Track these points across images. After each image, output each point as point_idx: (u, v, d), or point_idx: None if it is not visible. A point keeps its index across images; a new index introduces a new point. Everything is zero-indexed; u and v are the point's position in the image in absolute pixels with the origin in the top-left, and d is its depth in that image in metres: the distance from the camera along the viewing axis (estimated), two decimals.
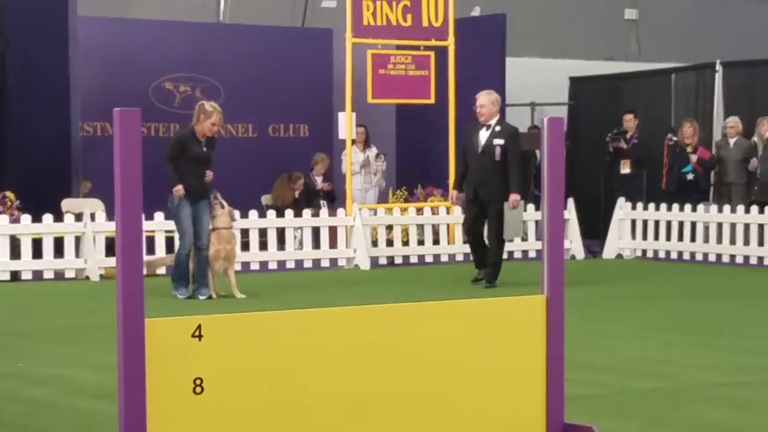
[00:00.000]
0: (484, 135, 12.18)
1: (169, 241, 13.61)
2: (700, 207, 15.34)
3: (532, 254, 15.43)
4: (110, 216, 13.53)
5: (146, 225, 13.32)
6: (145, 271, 11.15)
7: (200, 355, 4.23)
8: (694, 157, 15.70)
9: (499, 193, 12.03)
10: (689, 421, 5.96)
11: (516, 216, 12.13)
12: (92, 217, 13.44)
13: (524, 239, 15.61)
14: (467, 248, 13.64)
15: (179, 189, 11.08)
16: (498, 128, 12.19)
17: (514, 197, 11.99)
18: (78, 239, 13.40)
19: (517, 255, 15.57)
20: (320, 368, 4.44)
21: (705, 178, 15.84)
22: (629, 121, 16.45)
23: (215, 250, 11.27)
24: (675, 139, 15.94)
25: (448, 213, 15.41)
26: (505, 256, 12.96)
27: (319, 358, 4.45)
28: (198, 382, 4.23)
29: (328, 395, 4.45)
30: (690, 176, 15.77)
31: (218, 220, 11.36)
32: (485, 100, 12.24)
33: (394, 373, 4.57)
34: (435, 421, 4.63)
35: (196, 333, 4.25)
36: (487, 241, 12.49)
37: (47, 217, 13.35)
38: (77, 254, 13.38)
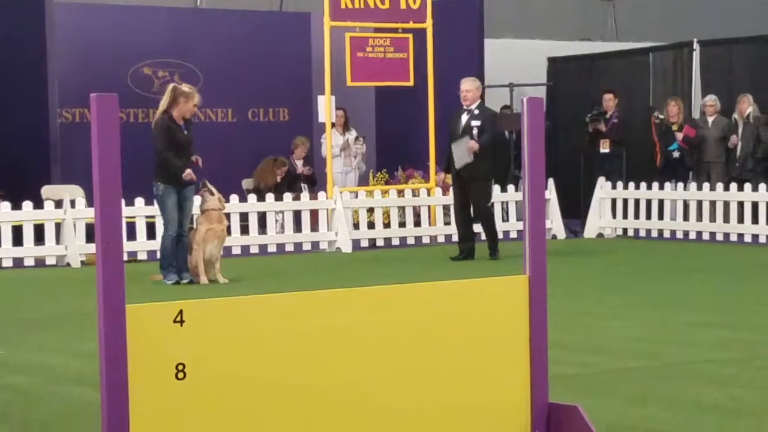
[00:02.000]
0: (464, 119, 12.89)
1: (150, 227, 13.59)
2: (680, 185, 15.39)
3: (513, 234, 15.44)
4: (90, 202, 13.48)
5: (127, 211, 13.30)
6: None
7: (182, 341, 4.20)
8: (680, 135, 15.74)
9: (479, 172, 12.71)
10: (674, 399, 5.97)
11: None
12: (72, 203, 13.39)
13: (505, 220, 15.66)
14: (448, 230, 13.88)
15: (190, 173, 11.03)
16: (477, 111, 12.84)
17: (473, 143, 12.69)
18: (58, 226, 13.35)
19: (499, 236, 15.55)
20: (303, 352, 4.43)
21: (691, 155, 15.87)
22: (609, 101, 16.47)
23: (207, 230, 11.26)
24: (661, 117, 15.97)
25: (428, 195, 15.41)
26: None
27: (302, 342, 4.43)
28: (180, 367, 4.21)
29: (311, 379, 4.44)
30: (676, 154, 15.81)
31: (208, 203, 11.36)
32: (470, 86, 12.99)
33: (377, 356, 4.56)
34: (418, 403, 4.62)
35: (178, 318, 4.22)
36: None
37: (27, 204, 13.29)
38: (58, 241, 13.34)
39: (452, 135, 12.98)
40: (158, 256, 11.67)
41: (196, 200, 11.62)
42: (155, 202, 11.54)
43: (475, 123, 12.72)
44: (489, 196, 13.10)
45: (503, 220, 15.79)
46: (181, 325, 4.22)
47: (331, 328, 4.50)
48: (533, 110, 4.86)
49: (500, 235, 15.42)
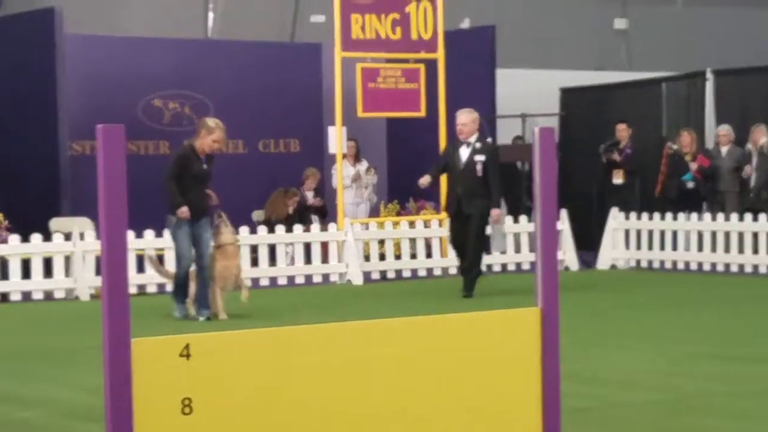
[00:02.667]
0: (465, 152, 12.58)
1: (159, 260, 13.52)
2: (694, 216, 15.29)
3: (525, 266, 15.37)
4: (99, 235, 13.42)
5: (136, 243, 13.26)
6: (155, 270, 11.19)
7: (188, 375, 4.13)
8: (694, 165, 15.66)
9: (481, 207, 12.46)
10: None
11: (500, 229, 12.77)
12: (81, 236, 13.34)
13: (517, 251, 15.60)
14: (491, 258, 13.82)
15: (184, 211, 10.68)
16: (478, 145, 12.57)
17: (496, 212, 12.57)
18: (67, 259, 13.30)
19: (511, 267, 15.51)
20: (311, 386, 4.35)
21: (705, 185, 15.79)
22: (622, 131, 16.41)
23: (222, 266, 10.99)
24: (675, 147, 15.89)
25: (440, 226, 15.33)
26: (488, 268, 13.44)
27: (311, 376, 4.36)
28: (186, 402, 4.14)
29: (320, 413, 4.36)
30: (690, 184, 15.73)
31: (222, 237, 11.10)
32: (466, 118, 12.64)
33: (387, 390, 4.49)
34: None
35: (184, 352, 4.15)
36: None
37: (36, 237, 13.24)
38: (67, 274, 13.28)
39: (451, 167, 12.64)
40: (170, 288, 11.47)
41: None
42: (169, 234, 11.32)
43: (479, 158, 12.42)
44: (483, 236, 12.73)
45: (515, 252, 15.72)
46: (188, 359, 4.15)
47: (339, 360, 4.42)
48: (545, 140, 4.80)
49: (513, 267, 15.45)
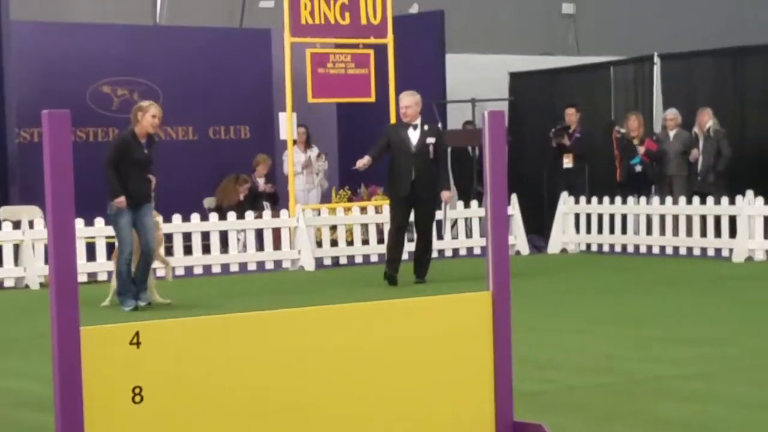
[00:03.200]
0: (414, 135, 12.41)
1: (110, 247, 13.43)
2: (643, 200, 15.40)
3: (477, 251, 15.42)
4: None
5: (86, 231, 13.15)
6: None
7: (139, 363, 4.12)
8: (641, 149, 15.75)
9: (434, 190, 12.49)
10: (641, 415, 5.91)
11: (449, 211, 12.80)
12: (30, 224, 13.21)
13: (468, 236, 15.65)
14: (411, 246, 13.52)
15: (122, 201, 10.54)
16: (426, 127, 12.48)
17: (448, 194, 12.82)
18: (16, 247, 13.17)
19: (462, 252, 15.55)
20: (263, 373, 4.35)
21: (652, 169, 15.89)
22: (571, 115, 16.47)
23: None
24: (623, 131, 15.97)
25: None
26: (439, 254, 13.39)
27: (261, 363, 4.35)
28: (137, 390, 4.13)
29: (273, 401, 4.36)
30: (638, 168, 15.82)
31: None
32: (410, 101, 12.49)
33: (340, 375, 4.49)
34: (383, 422, 4.55)
35: (134, 340, 4.14)
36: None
37: None
38: (16, 263, 13.15)
39: (401, 152, 12.27)
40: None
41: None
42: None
43: (430, 140, 12.32)
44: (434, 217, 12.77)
45: (467, 237, 15.76)
46: (138, 347, 4.14)
47: (293, 347, 4.42)
48: (494, 124, 4.81)
49: (464, 252, 15.49)
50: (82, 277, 12.64)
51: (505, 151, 4.81)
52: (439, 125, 16.14)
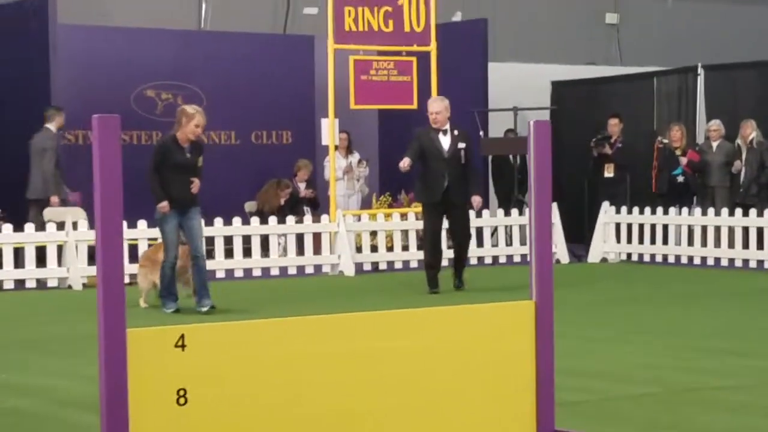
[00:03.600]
0: (445, 140, 12.33)
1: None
2: (684, 210, 15.33)
3: (516, 259, 15.41)
4: (92, 225, 13.43)
5: (129, 233, 13.25)
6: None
7: (183, 366, 4.15)
8: (684, 160, 15.70)
9: (466, 195, 12.41)
10: (683, 427, 5.90)
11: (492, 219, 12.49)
12: (74, 225, 13.34)
13: (509, 244, 15.64)
14: (451, 253, 13.51)
15: (164, 206, 10.54)
16: (456, 132, 12.39)
17: (479, 200, 12.56)
18: (60, 248, 13.30)
19: (502, 260, 15.54)
20: (307, 378, 4.37)
21: (695, 180, 15.83)
22: (614, 126, 16.43)
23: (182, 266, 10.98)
24: (665, 141, 15.92)
25: None
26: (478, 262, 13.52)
27: (306, 368, 4.37)
28: (181, 393, 4.15)
29: (316, 405, 4.38)
30: (680, 178, 15.76)
31: None
32: (440, 106, 12.45)
33: (384, 382, 4.51)
34: (426, 429, 4.56)
35: (179, 343, 4.17)
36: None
37: (29, 227, 13.25)
38: (59, 263, 13.28)
39: (434, 157, 12.16)
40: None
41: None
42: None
43: (462, 146, 12.25)
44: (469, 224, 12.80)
45: (507, 245, 15.75)
46: (183, 350, 4.17)
47: (336, 353, 4.44)
48: (540, 133, 4.82)
49: (504, 260, 15.50)
50: (125, 279, 12.70)
51: (550, 160, 4.82)
52: (480, 132, 16.21)
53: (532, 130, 4.79)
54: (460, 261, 12.61)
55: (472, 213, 13.16)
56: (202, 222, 11.32)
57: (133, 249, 13.32)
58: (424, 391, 4.57)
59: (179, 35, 17.55)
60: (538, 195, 4.78)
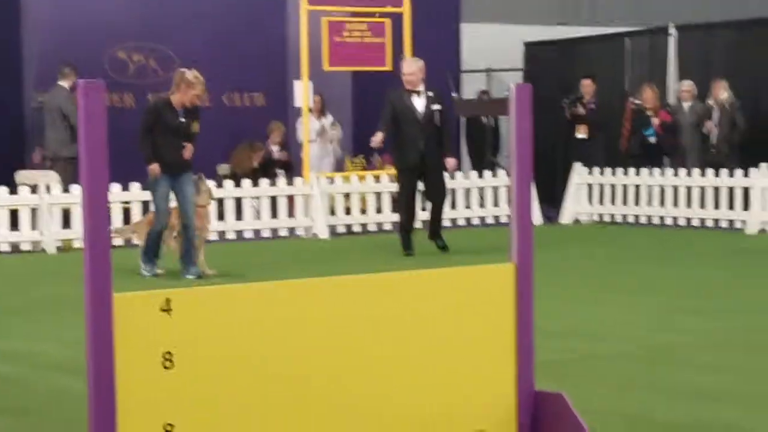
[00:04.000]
0: (419, 102, 12.22)
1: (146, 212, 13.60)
2: (656, 171, 15.43)
3: (489, 220, 15.50)
4: (65, 188, 13.39)
5: (122, 195, 13.28)
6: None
7: (169, 329, 4.18)
8: (656, 121, 15.78)
9: (441, 156, 12.27)
10: (658, 384, 6.00)
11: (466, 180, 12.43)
12: (47, 189, 13.29)
13: (482, 205, 15.70)
14: (424, 215, 13.62)
15: (154, 168, 10.42)
16: (431, 94, 12.27)
17: (453, 161, 12.42)
18: (33, 211, 13.25)
19: (475, 222, 15.61)
20: (289, 341, 4.41)
21: (667, 140, 15.91)
22: (587, 86, 16.47)
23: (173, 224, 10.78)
24: (638, 102, 15.97)
25: None
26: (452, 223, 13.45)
27: (289, 331, 4.41)
28: (167, 356, 4.19)
29: (298, 368, 4.42)
30: (652, 139, 15.84)
31: (198, 197, 10.85)
32: (414, 67, 12.36)
33: (364, 345, 4.55)
34: (405, 391, 4.61)
35: (165, 307, 4.20)
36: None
37: (1, 190, 13.19)
38: (33, 227, 13.24)
39: (405, 117, 12.08)
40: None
41: None
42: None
43: (436, 107, 12.13)
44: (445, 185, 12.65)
45: (480, 206, 15.82)
46: (169, 314, 4.20)
47: (319, 316, 4.48)
48: (521, 97, 4.85)
49: (477, 221, 15.57)
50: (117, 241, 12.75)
51: (531, 124, 4.86)
52: (453, 94, 16.21)
53: (514, 94, 4.82)
54: (436, 222, 12.56)
55: (446, 175, 13.14)
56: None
57: (126, 211, 13.25)
58: (404, 353, 4.62)
59: None
60: (519, 159, 4.82)
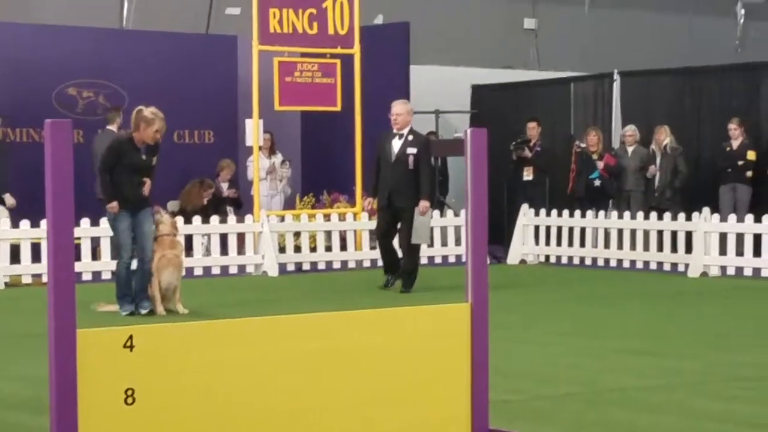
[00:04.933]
0: (397, 144, 12.47)
1: (95, 249, 13.62)
2: (601, 213, 15.66)
3: (438, 260, 15.64)
4: (14, 223, 13.35)
5: (91, 231, 13.33)
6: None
7: (132, 366, 4.24)
8: (600, 164, 16.03)
9: (413, 201, 12.33)
10: (605, 425, 6.11)
11: (424, 222, 12.42)
12: None
13: (431, 246, 15.79)
14: (374, 254, 13.84)
15: (113, 206, 10.52)
16: (410, 137, 12.49)
17: (424, 204, 12.32)
18: None
19: (423, 261, 15.70)
20: (250, 378, 4.48)
21: (611, 183, 16.16)
22: (533, 129, 16.69)
23: (160, 257, 10.77)
24: (583, 146, 16.23)
25: (354, 219, 15.50)
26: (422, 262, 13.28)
27: (249, 368, 4.48)
28: (129, 392, 4.24)
29: (258, 406, 4.49)
30: (597, 182, 16.08)
31: (159, 229, 10.89)
32: (402, 109, 12.57)
33: (321, 383, 4.62)
34: (362, 428, 4.69)
35: (128, 343, 4.25)
36: (398, 248, 12.75)
37: None
38: None
39: (383, 160, 12.47)
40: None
41: None
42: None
43: (411, 150, 12.34)
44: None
45: (428, 246, 15.91)
46: (131, 350, 4.25)
47: (279, 353, 4.55)
48: (477, 141, 4.99)
49: (425, 261, 15.66)
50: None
51: (486, 167, 4.99)
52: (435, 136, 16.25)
53: (469, 138, 4.96)
54: (406, 267, 12.53)
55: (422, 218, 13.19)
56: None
57: (76, 248, 13.26)
58: (360, 391, 4.69)
59: (101, 33, 17.44)
60: (474, 201, 4.95)
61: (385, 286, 12.67)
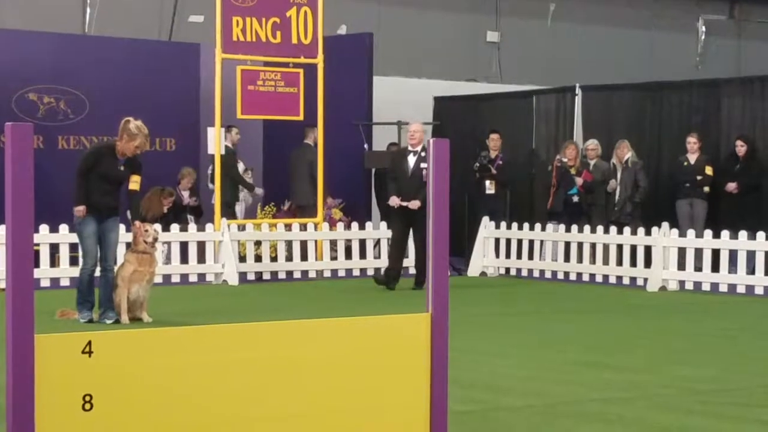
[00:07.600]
0: (412, 160, 13.88)
1: (54, 255, 13.53)
2: (561, 227, 15.70)
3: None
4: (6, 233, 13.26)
5: (50, 238, 13.25)
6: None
7: (90, 372, 4.21)
8: (579, 180, 16.01)
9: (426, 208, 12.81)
10: None
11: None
12: None
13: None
14: (335, 264, 14.13)
15: (80, 210, 10.50)
16: (423, 153, 13.54)
17: (415, 202, 13.74)
18: None
19: None
20: (209, 385, 4.46)
21: (585, 199, 16.16)
22: (494, 140, 16.71)
23: (134, 271, 10.70)
24: (564, 160, 16.17)
25: (316, 229, 15.49)
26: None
27: (208, 375, 4.47)
28: (87, 398, 4.21)
29: (215, 413, 4.47)
30: (575, 198, 16.07)
31: (140, 245, 10.87)
32: (419, 127, 14.07)
33: (279, 391, 4.61)
34: None
35: (87, 349, 4.23)
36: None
37: None
38: None
39: (399, 175, 13.80)
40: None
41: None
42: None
43: (424, 165, 13.21)
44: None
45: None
46: (90, 356, 4.23)
47: (238, 361, 4.53)
48: (439, 151, 5.01)
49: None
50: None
51: (448, 177, 5.00)
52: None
53: (432, 148, 4.97)
54: (419, 264, 13.90)
55: (355, 226, 14.35)
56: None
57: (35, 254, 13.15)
58: (318, 401, 4.68)
59: (63, 38, 17.37)
60: (436, 211, 4.97)
61: (388, 285, 13.86)
